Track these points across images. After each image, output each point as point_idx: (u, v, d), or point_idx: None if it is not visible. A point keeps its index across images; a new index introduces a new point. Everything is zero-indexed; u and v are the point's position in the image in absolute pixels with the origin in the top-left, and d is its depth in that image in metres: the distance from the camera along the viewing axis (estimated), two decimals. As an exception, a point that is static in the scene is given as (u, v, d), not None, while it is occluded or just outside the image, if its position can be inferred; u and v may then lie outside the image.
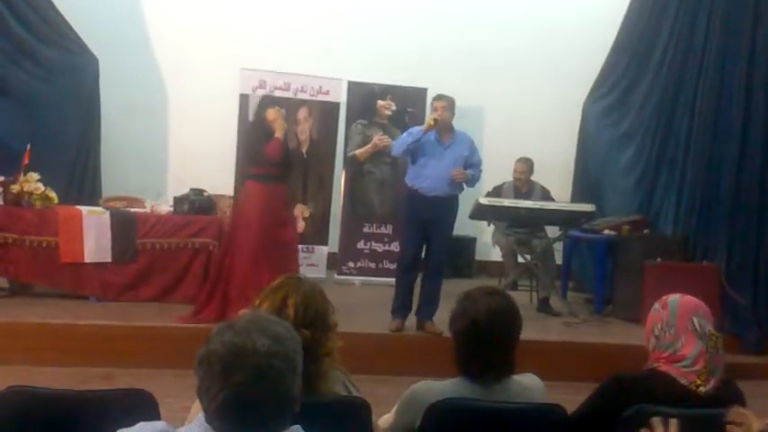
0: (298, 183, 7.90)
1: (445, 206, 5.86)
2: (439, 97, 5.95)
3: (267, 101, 6.26)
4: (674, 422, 2.07)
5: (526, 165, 7.60)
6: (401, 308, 5.93)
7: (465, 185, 5.94)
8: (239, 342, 1.52)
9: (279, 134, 5.89)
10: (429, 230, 5.83)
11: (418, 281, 6.04)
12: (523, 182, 7.58)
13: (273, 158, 5.88)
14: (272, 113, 5.96)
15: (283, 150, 5.97)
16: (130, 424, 1.63)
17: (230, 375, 1.50)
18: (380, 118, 8.07)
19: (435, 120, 5.74)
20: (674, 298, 2.57)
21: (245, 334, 1.53)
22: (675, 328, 2.50)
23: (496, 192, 7.50)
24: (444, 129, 5.85)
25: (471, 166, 5.90)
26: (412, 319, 5.95)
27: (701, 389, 2.42)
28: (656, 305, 2.59)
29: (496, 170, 8.05)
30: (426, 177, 5.80)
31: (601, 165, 8.31)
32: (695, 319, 2.49)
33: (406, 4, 8.75)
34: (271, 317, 1.70)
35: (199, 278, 6.48)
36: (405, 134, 6.03)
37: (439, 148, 5.83)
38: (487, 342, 2.44)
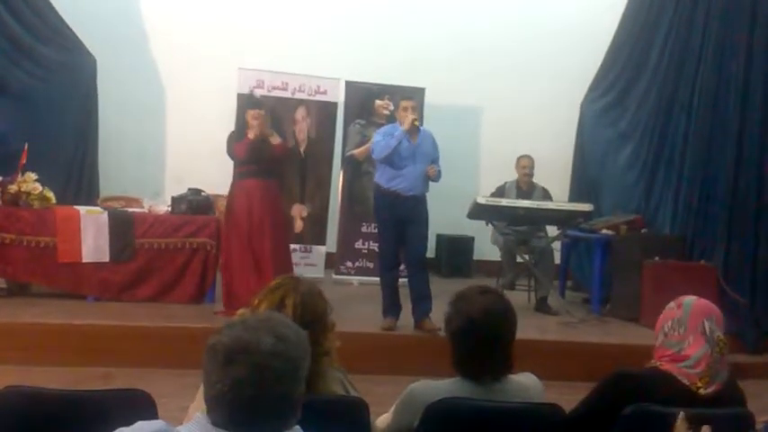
0: (295, 182, 7.92)
1: (419, 204, 5.94)
2: (408, 97, 6.05)
3: (248, 102, 6.35)
4: (706, 428, 2.08)
5: (530, 160, 7.60)
6: (391, 306, 5.98)
7: (432, 180, 5.98)
8: (245, 337, 1.54)
9: (250, 135, 6.00)
10: (406, 228, 5.89)
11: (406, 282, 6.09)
12: (528, 178, 7.56)
13: (240, 157, 6.06)
14: (249, 114, 6.10)
15: (251, 150, 6.00)
16: (128, 424, 1.63)
17: (230, 368, 1.51)
18: (378, 118, 8.06)
19: (416, 119, 5.79)
20: (690, 299, 2.58)
21: (252, 331, 1.55)
22: (686, 327, 2.50)
23: (499, 192, 7.48)
24: (414, 129, 5.89)
25: (435, 162, 5.97)
26: (409, 319, 5.96)
27: (702, 391, 2.42)
28: (672, 303, 2.60)
29: (494, 169, 8.08)
30: (404, 178, 5.86)
31: (599, 164, 8.32)
32: (707, 323, 2.49)
33: (404, 3, 8.76)
34: (286, 319, 1.69)
35: (197, 278, 6.50)
36: (383, 136, 5.94)
37: (412, 150, 5.89)
38: (484, 341, 2.44)
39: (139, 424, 1.61)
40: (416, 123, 5.80)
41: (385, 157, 5.89)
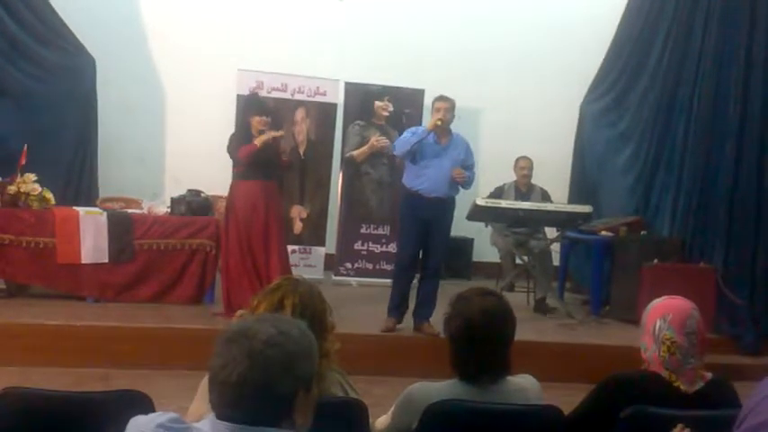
0: (295, 184, 7.91)
1: (444, 207, 5.88)
2: (442, 98, 5.93)
3: (254, 106, 6.27)
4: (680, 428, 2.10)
5: (529, 162, 7.62)
6: (397, 308, 5.94)
7: (461, 187, 5.95)
8: (249, 325, 1.63)
9: (257, 142, 5.92)
10: (428, 231, 5.84)
11: (415, 282, 6.05)
12: (527, 180, 7.58)
13: (243, 161, 6.01)
14: (255, 120, 6.04)
15: (255, 157, 5.96)
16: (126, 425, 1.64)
17: (228, 348, 1.58)
18: (378, 119, 8.07)
19: (441, 120, 5.74)
20: (657, 300, 2.59)
21: (259, 322, 1.65)
22: (643, 328, 2.55)
23: (498, 193, 7.50)
24: (444, 131, 5.86)
25: (467, 169, 5.91)
26: (408, 320, 5.96)
27: (683, 388, 2.45)
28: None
29: (494, 171, 8.07)
30: (427, 179, 5.81)
31: (598, 165, 8.32)
32: (658, 323, 2.50)
33: (404, 4, 8.76)
34: (298, 321, 1.75)
35: (196, 279, 6.49)
36: (407, 133, 5.98)
37: (438, 150, 5.84)
38: (483, 342, 2.44)
39: (155, 414, 1.65)
40: (439, 124, 5.74)
41: (403, 153, 5.88)
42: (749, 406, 2.00)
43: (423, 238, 5.86)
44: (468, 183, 5.94)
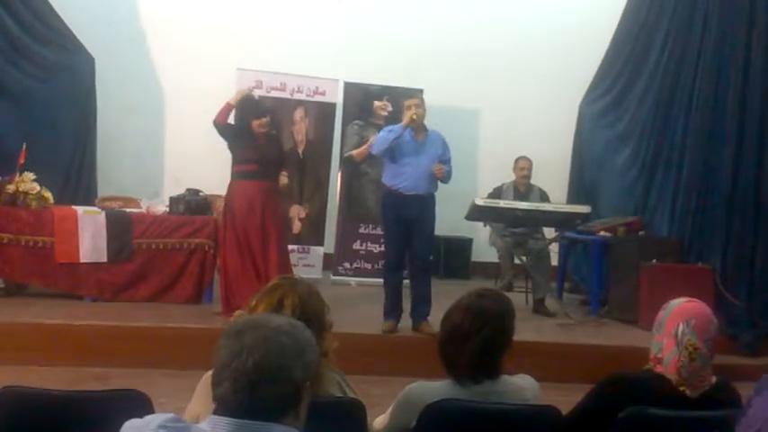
0: (294, 183, 7.91)
1: (425, 204, 5.88)
2: (411, 95, 5.98)
3: (254, 109, 6.26)
4: None
5: (529, 162, 7.63)
6: (393, 309, 5.94)
7: (441, 182, 5.94)
8: (256, 318, 1.74)
9: (231, 101, 6.16)
10: (411, 229, 5.84)
11: (407, 282, 6.06)
12: (526, 180, 7.59)
13: (220, 120, 6.12)
14: (255, 124, 6.08)
15: (261, 150, 6.05)
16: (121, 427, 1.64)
17: (238, 338, 1.58)
18: (376, 119, 8.07)
19: (416, 114, 5.74)
20: (676, 301, 2.54)
21: (266, 315, 1.82)
22: (663, 329, 2.49)
23: (497, 193, 7.50)
24: (419, 127, 5.85)
25: (444, 163, 5.89)
26: (407, 320, 5.95)
27: (688, 392, 2.42)
28: (664, 305, 2.59)
29: (493, 171, 8.09)
30: (407, 176, 5.81)
31: (597, 166, 8.33)
32: (681, 326, 2.45)
33: (403, 4, 8.76)
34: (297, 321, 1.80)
35: (194, 278, 6.49)
36: (384, 132, 5.98)
37: (415, 147, 5.84)
38: (464, 343, 2.44)
39: (151, 416, 1.65)
40: (414, 118, 5.72)
41: (382, 151, 5.86)
42: (757, 417, 1.94)
43: (406, 238, 5.85)
44: (447, 177, 5.92)
